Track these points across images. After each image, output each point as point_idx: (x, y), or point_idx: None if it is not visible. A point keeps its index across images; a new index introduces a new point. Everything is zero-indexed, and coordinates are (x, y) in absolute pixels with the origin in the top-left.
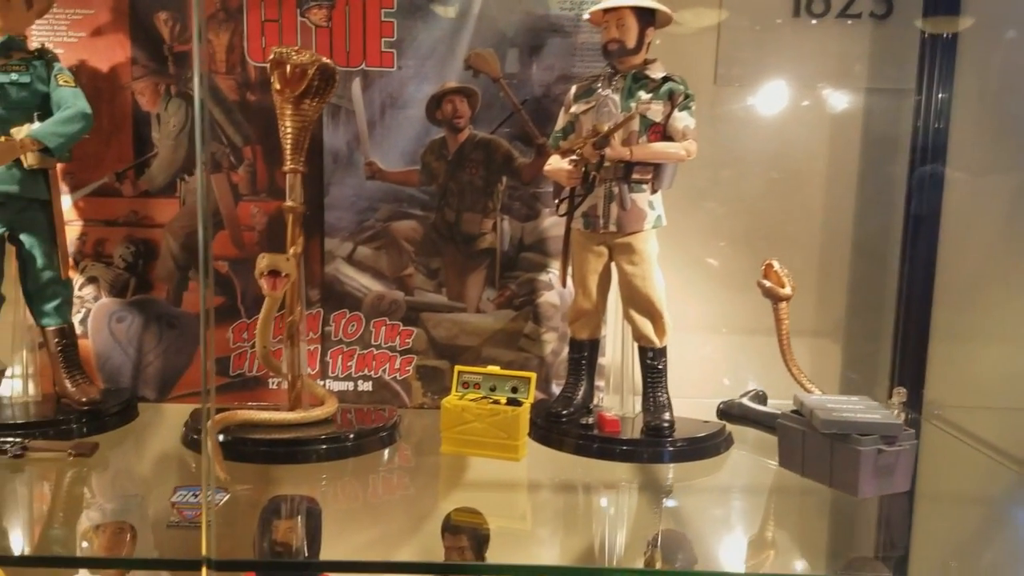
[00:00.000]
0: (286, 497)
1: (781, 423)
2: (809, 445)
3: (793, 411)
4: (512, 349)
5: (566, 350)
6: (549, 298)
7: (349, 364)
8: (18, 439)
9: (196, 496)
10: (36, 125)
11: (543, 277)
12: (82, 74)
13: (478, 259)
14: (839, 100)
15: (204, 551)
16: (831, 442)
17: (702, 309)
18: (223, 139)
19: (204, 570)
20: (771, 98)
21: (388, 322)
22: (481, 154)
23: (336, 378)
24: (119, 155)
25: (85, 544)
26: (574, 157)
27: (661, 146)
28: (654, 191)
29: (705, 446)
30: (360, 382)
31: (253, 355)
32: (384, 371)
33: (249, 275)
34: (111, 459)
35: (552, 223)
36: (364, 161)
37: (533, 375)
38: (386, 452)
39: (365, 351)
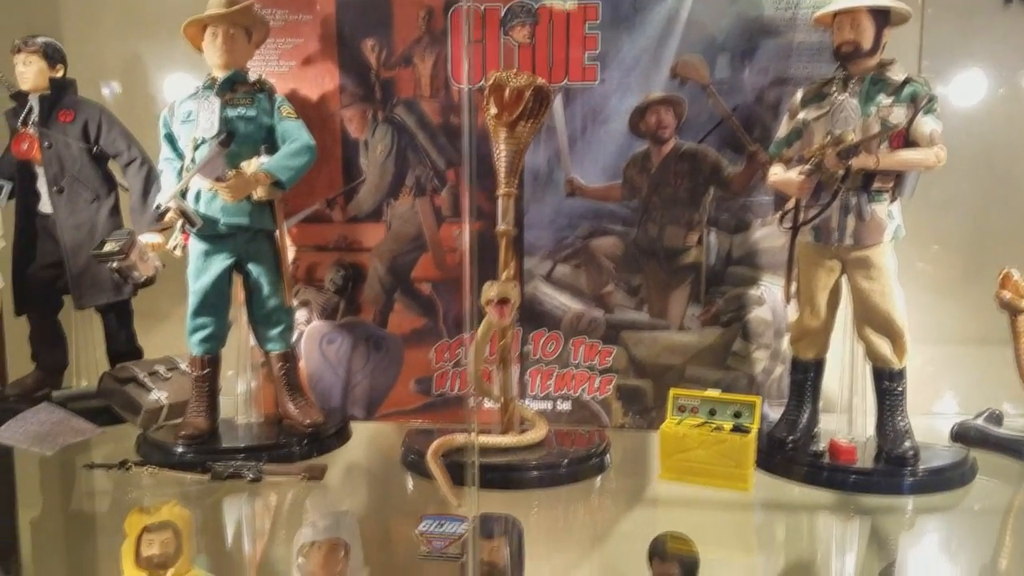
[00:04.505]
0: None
1: None
2: None
3: None
4: (719, 368)
5: (778, 369)
6: (760, 313)
7: (548, 384)
8: (253, 463)
9: (442, 525)
10: (265, 159)
11: (753, 291)
12: (293, 103)
13: (682, 274)
14: None
15: None
16: None
17: (912, 318)
18: (427, 163)
19: None
20: (980, 93)
21: (587, 341)
22: (687, 165)
23: (535, 398)
24: (329, 182)
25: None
26: (808, 167)
27: (909, 153)
28: (893, 200)
29: (949, 476)
30: (559, 402)
31: (455, 375)
32: (583, 391)
33: (451, 296)
34: (340, 481)
35: (764, 235)
36: (564, 178)
37: (758, 399)
38: (599, 479)
39: (564, 370)
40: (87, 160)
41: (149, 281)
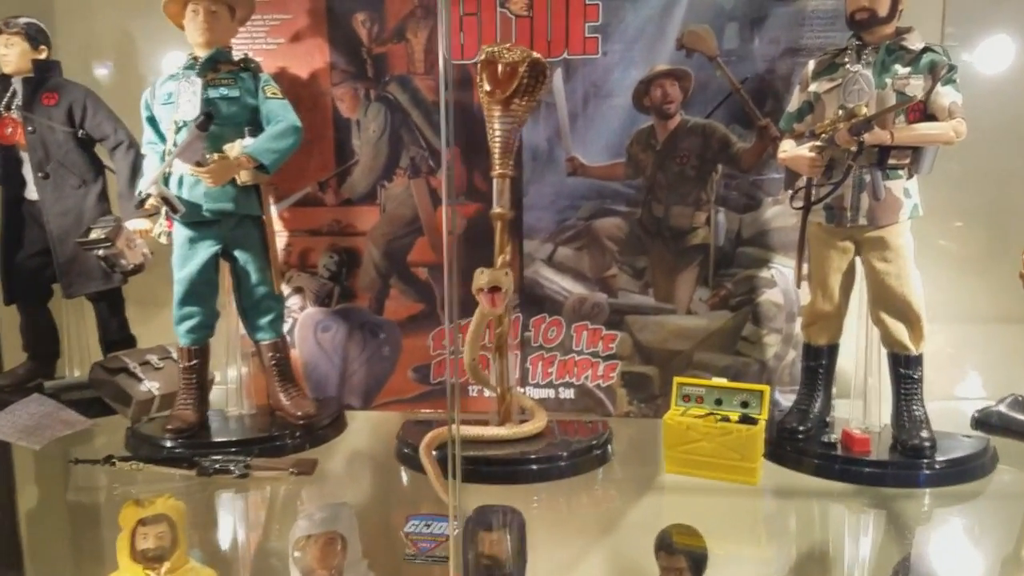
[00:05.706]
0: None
1: None
2: None
3: None
4: (728, 353)
5: (791, 354)
6: (771, 296)
7: (550, 371)
8: (241, 459)
9: (429, 526)
10: (248, 141)
11: (764, 273)
12: (282, 81)
13: (689, 256)
14: None
15: None
16: None
17: (932, 297)
18: (422, 143)
19: None
20: (1006, 61)
21: (590, 326)
22: (694, 141)
23: (537, 385)
24: (321, 164)
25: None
26: (818, 143)
27: (925, 127)
28: (910, 176)
29: (969, 467)
30: (562, 389)
31: (454, 362)
32: (587, 378)
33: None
34: (330, 478)
35: (775, 213)
36: (565, 157)
37: (767, 388)
38: (601, 471)
39: (566, 357)
40: (73, 145)
41: (137, 269)
